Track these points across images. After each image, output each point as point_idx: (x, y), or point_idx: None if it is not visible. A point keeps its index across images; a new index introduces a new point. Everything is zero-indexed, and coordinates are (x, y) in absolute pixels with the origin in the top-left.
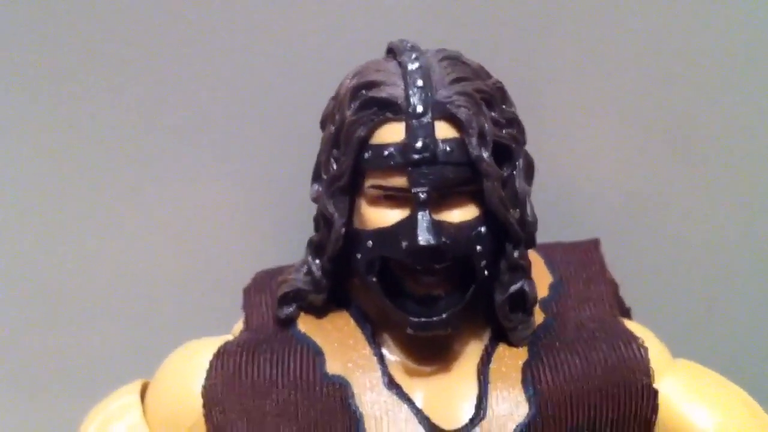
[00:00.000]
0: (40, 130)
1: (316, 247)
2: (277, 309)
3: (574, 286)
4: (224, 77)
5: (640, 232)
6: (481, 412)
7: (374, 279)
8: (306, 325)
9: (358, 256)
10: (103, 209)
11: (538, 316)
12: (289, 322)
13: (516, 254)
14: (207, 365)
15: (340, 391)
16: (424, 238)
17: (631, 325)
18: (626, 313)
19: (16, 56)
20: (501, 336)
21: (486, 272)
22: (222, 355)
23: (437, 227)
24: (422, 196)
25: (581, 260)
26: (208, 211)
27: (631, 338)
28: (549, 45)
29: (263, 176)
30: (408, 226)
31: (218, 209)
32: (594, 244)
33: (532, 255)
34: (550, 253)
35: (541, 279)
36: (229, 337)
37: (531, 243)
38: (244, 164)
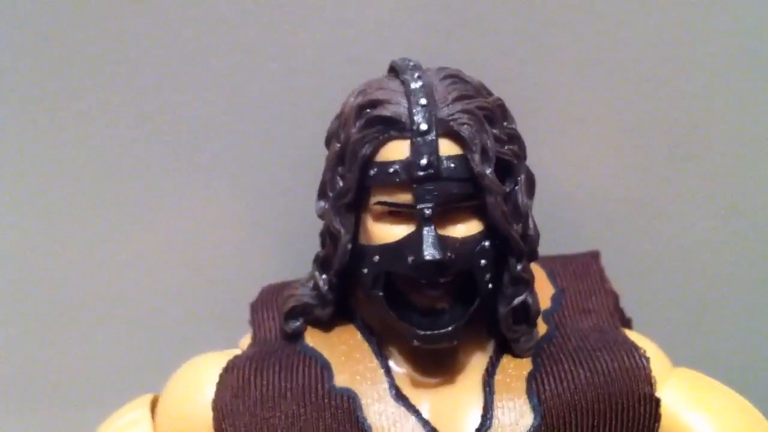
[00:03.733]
0: (48, 143)
1: (322, 263)
2: (283, 323)
3: (575, 298)
4: (231, 91)
5: (639, 242)
6: (487, 422)
7: (380, 293)
8: (313, 338)
9: (365, 270)
10: (110, 224)
11: (541, 328)
12: (296, 336)
13: (519, 267)
14: (216, 379)
15: (348, 403)
16: (429, 252)
17: (632, 335)
18: (627, 323)
19: (22, 66)
20: (505, 347)
21: (490, 285)
22: (231, 369)
23: (442, 242)
24: (427, 212)
25: (581, 272)
26: (215, 225)
27: (632, 348)
28: (545, 58)
29: (270, 191)
30: (414, 241)
31: (225, 223)
32: (593, 256)
33: (533, 267)
34: (551, 265)
35: (543, 291)
36: (237, 351)
37: (533, 256)
38: (250, 179)
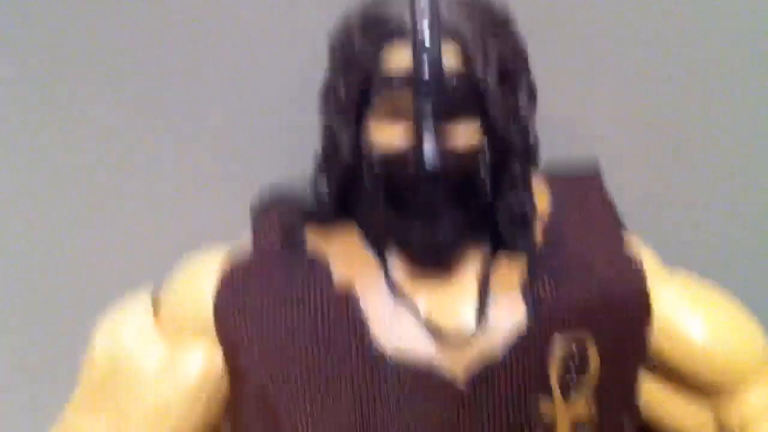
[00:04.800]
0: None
1: (323, 167)
2: (284, 225)
3: (575, 208)
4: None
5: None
6: (481, 318)
7: (381, 195)
8: (313, 238)
9: (366, 175)
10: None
11: (540, 234)
12: (297, 236)
13: (517, 170)
14: (218, 274)
15: (348, 299)
16: (430, 162)
17: (628, 239)
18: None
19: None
20: (502, 250)
21: (488, 189)
22: (232, 267)
23: (443, 150)
24: (428, 116)
25: (583, 186)
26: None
27: (627, 251)
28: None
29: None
30: (415, 150)
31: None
32: (594, 168)
33: (535, 181)
34: (553, 178)
35: (542, 199)
36: (237, 247)
37: (533, 160)
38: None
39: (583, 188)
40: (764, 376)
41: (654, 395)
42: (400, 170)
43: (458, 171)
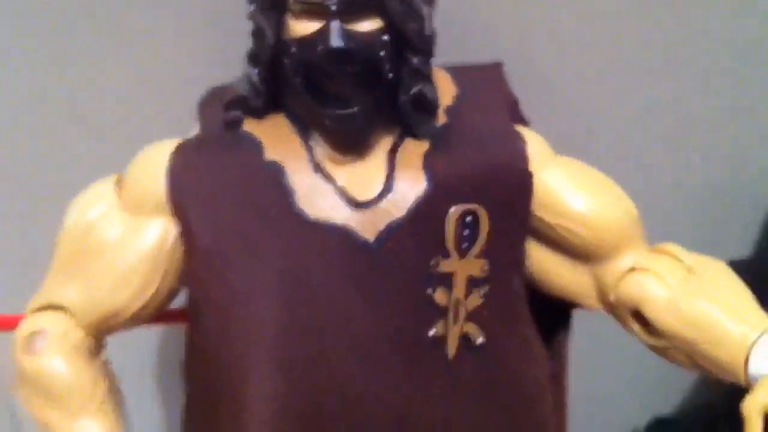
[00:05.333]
0: None
1: (253, 58)
2: (224, 113)
3: (475, 98)
4: None
5: None
6: (389, 187)
7: (299, 80)
8: (249, 125)
9: (286, 61)
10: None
11: (441, 119)
12: (235, 124)
13: (415, 61)
14: (169, 155)
15: (276, 172)
16: (335, 42)
17: (521, 128)
18: (525, 124)
19: None
20: (408, 133)
21: (390, 75)
22: (181, 148)
23: (347, 34)
24: (333, 8)
25: (484, 77)
26: (168, 36)
27: (515, 134)
28: None
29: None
30: (323, 33)
31: (175, 36)
32: (497, 65)
33: (440, 73)
34: (457, 71)
35: (447, 91)
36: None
37: (429, 52)
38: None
39: (484, 78)
40: (632, 243)
41: (542, 262)
42: (312, 51)
43: (361, 51)
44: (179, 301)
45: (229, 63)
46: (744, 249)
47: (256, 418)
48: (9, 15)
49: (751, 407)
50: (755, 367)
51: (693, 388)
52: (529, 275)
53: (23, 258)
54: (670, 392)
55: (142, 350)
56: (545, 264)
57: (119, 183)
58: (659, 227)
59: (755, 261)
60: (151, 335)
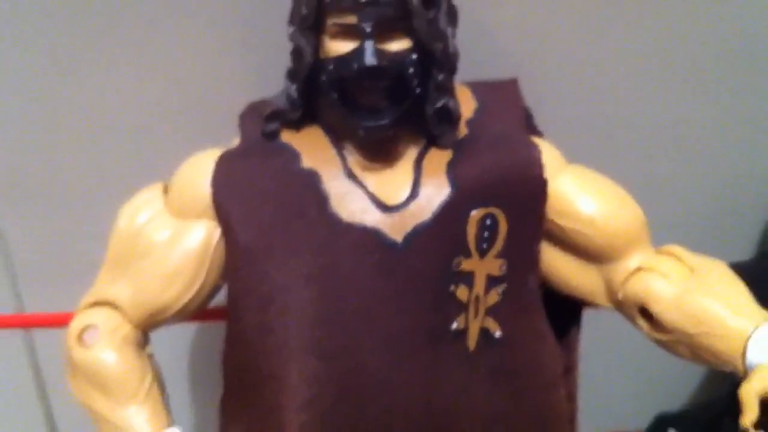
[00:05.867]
0: None
1: (291, 75)
2: (263, 125)
3: (493, 111)
4: None
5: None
6: (415, 192)
7: (335, 95)
8: (286, 136)
9: (323, 78)
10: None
11: (462, 131)
12: (274, 135)
13: (440, 77)
14: (214, 164)
15: (312, 178)
16: (369, 60)
17: (535, 139)
18: (538, 135)
19: None
20: (433, 143)
21: (417, 90)
22: (225, 156)
23: (379, 53)
24: (368, 29)
25: (501, 92)
26: (207, 53)
27: (531, 144)
28: None
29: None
30: (358, 52)
31: (217, 53)
32: (513, 81)
33: (461, 87)
34: (476, 86)
35: (467, 105)
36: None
37: (453, 70)
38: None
39: (501, 92)
40: (640, 245)
41: (555, 263)
42: (348, 69)
43: (392, 69)
44: (216, 300)
45: (264, 79)
46: (746, 252)
47: (295, 399)
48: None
49: (748, 392)
50: (752, 357)
51: (697, 385)
52: (543, 275)
53: (74, 260)
54: (674, 389)
55: (175, 348)
56: (558, 265)
57: (166, 190)
58: (664, 231)
59: (756, 264)
60: (183, 334)
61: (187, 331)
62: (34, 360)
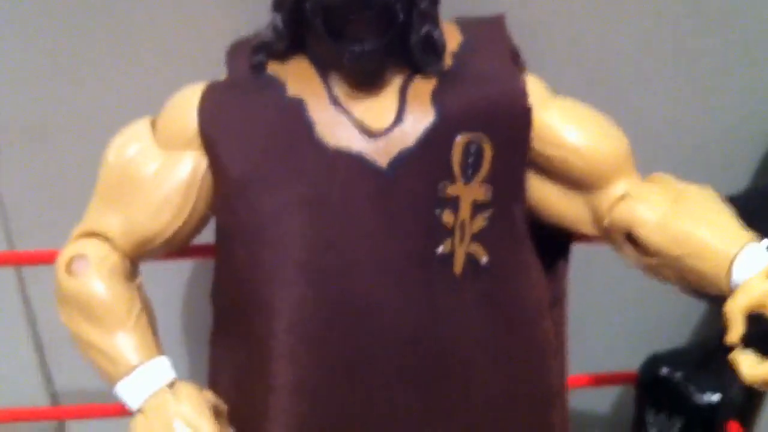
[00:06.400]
0: None
1: (277, 5)
2: (250, 58)
3: (479, 45)
4: None
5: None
6: (400, 118)
7: (320, 23)
8: (273, 68)
9: (308, 5)
10: None
11: (448, 62)
12: (261, 67)
13: (424, 5)
14: (200, 94)
15: (298, 106)
16: None
17: (522, 72)
18: (524, 69)
19: None
20: (418, 73)
21: (401, 17)
22: (211, 88)
23: None
24: None
25: (488, 28)
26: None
27: (516, 74)
28: None
29: None
30: None
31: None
32: (500, 18)
33: (447, 24)
34: (462, 22)
35: (453, 39)
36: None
37: None
38: None
39: (487, 28)
40: (625, 172)
41: (541, 193)
42: None
43: None
44: (204, 238)
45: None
46: (740, 187)
47: (285, 323)
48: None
49: (733, 308)
50: (737, 276)
51: (691, 326)
52: (530, 206)
53: (64, 197)
54: (667, 331)
55: (167, 290)
56: (544, 194)
57: (153, 122)
58: (656, 166)
59: (748, 197)
60: (174, 275)
61: (178, 271)
62: (26, 297)
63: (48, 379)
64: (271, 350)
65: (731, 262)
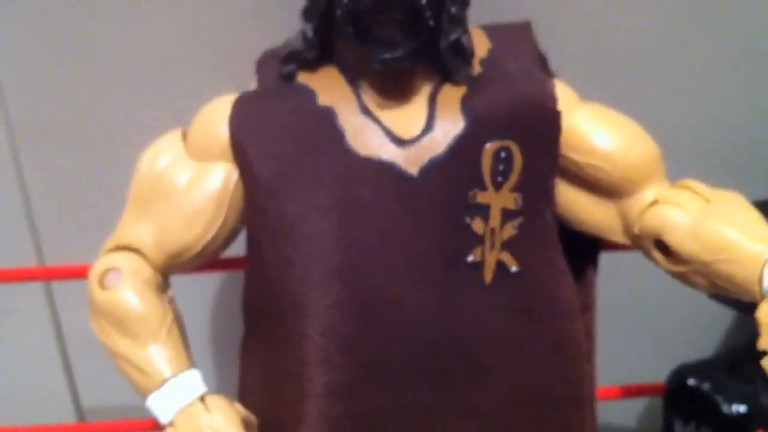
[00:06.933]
0: None
1: (307, 13)
2: (280, 68)
3: (507, 51)
4: None
5: None
6: (430, 125)
7: (350, 29)
8: (303, 77)
9: (338, 12)
10: None
11: (477, 68)
12: (291, 77)
13: (454, 9)
14: (231, 105)
15: (329, 115)
16: None
17: (549, 76)
18: (552, 76)
19: None
20: (447, 79)
21: (431, 22)
22: (242, 98)
23: None
24: None
25: (515, 33)
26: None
27: (545, 79)
28: None
29: None
30: None
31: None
32: (526, 24)
33: (474, 29)
34: (489, 29)
35: (481, 44)
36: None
37: (466, 2)
38: None
39: (515, 33)
40: (655, 179)
41: (571, 200)
42: (361, 1)
43: (405, 0)
44: (234, 251)
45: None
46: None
47: (319, 326)
48: None
49: (765, 314)
50: None
51: (718, 338)
52: (560, 213)
53: (95, 211)
54: (694, 342)
55: (196, 303)
56: (574, 201)
57: (185, 134)
58: (681, 170)
59: None
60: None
61: (206, 284)
62: (54, 311)
63: (75, 395)
64: (306, 354)
65: (763, 267)
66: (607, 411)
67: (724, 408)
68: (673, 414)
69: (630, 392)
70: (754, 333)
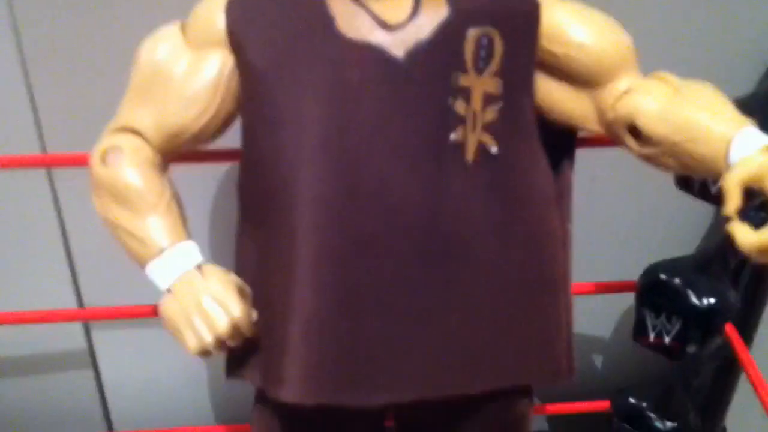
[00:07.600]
0: None
1: None
2: None
3: None
4: None
5: None
6: (415, 12)
7: None
8: None
9: None
10: None
11: None
12: None
13: None
14: None
15: (320, 1)
16: None
17: None
18: None
19: None
20: None
21: None
22: None
23: None
24: None
25: None
26: None
27: None
28: None
29: None
30: None
31: None
32: None
33: None
34: None
35: None
36: None
37: None
38: None
39: None
40: (628, 69)
41: (548, 91)
42: None
43: None
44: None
45: None
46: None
47: (307, 193)
48: None
49: (730, 180)
50: (734, 156)
51: (691, 240)
52: (538, 104)
53: (96, 101)
54: (666, 244)
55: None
56: (552, 92)
57: (183, 25)
58: (657, 68)
59: (754, 98)
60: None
61: (203, 180)
62: (56, 199)
63: (76, 282)
64: (295, 221)
65: (729, 144)
66: (584, 309)
67: (694, 300)
68: (645, 308)
69: (604, 289)
70: (723, 236)
